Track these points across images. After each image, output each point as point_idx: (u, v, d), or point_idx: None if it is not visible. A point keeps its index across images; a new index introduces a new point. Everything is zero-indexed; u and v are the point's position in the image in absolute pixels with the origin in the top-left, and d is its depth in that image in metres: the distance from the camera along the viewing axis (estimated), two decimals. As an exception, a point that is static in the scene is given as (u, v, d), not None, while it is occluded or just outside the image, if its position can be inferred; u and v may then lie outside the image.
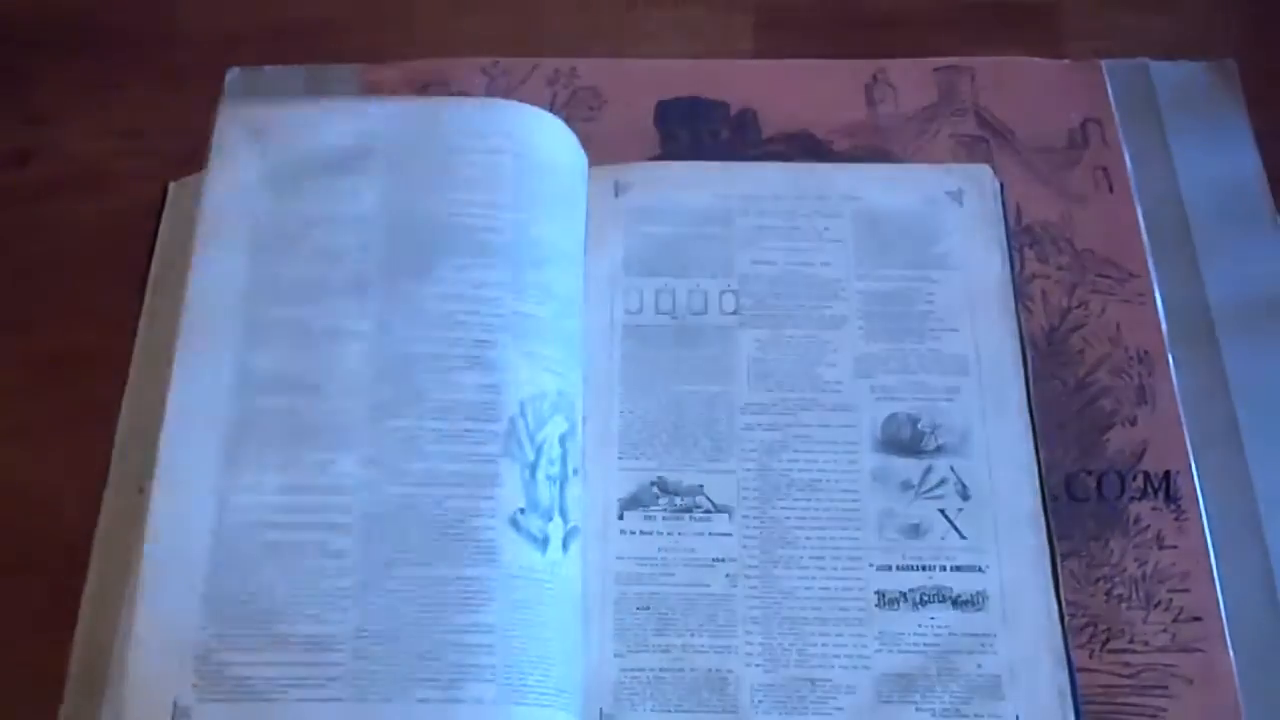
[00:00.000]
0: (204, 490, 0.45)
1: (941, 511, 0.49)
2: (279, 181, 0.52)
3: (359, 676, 0.43)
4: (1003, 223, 0.55)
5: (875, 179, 0.56)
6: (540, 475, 0.46)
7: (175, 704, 0.42)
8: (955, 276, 0.53)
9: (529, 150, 0.53)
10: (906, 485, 0.49)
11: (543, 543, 0.45)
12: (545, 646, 0.44)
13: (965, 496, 0.49)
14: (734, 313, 0.53)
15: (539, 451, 0.46)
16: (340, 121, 0.54)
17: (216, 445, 0.46)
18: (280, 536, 0.45)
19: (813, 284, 0.54)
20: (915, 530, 0.48)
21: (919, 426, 0.50)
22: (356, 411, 0.47)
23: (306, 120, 0.54)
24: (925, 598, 0.47)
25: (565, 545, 0.46)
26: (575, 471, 0.48)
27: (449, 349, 0.48)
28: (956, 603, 0.47)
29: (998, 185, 0.56)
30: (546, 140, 0.54)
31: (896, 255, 0.54)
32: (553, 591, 0.45)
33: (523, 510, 0.45)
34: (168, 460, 0.46)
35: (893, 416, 0.51)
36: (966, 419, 0.50)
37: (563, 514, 0.47)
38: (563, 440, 0.48)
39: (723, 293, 0.53)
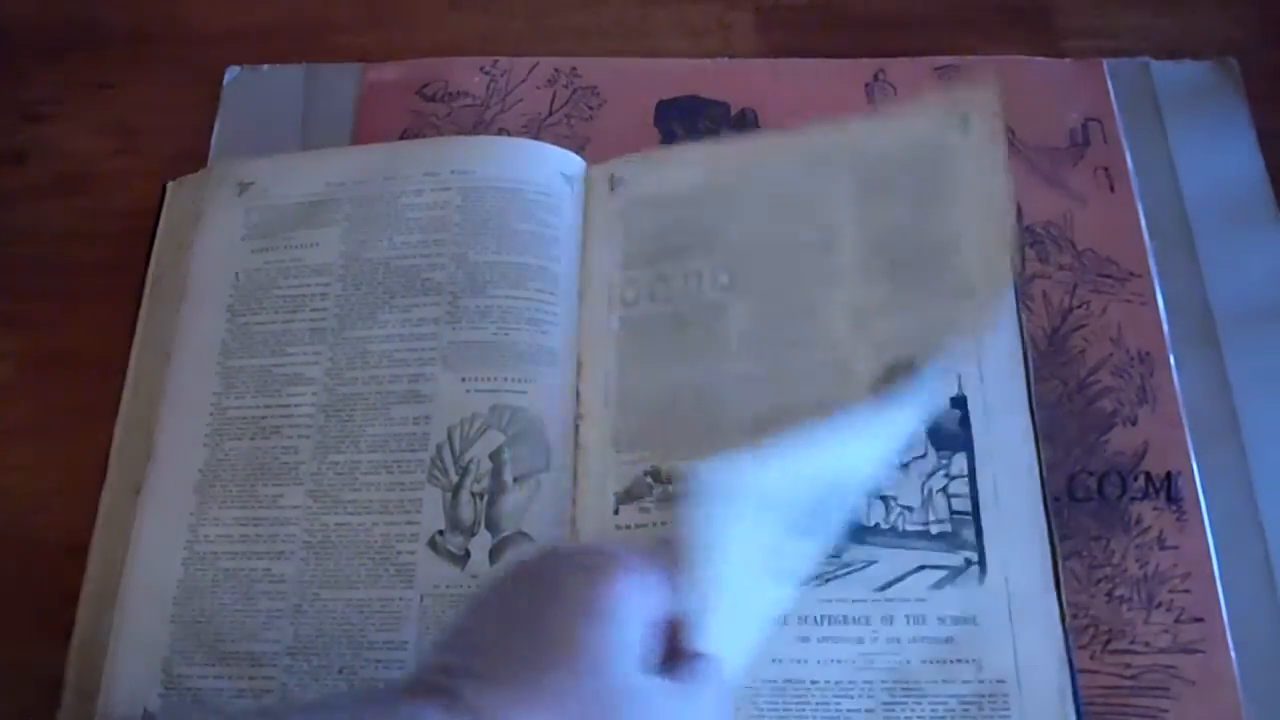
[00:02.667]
0: (179, 524, 0.49)
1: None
2: (257, 236, 0.55)
3: (288, 689, 0.46)
4: (1006, 146, 0.52)
5: (876, 126, 0.55)
6: (463, 495, 0.48)
7: (145, 710, 0.46)
8: (960, 213, 0.51)
9: (479, 180, 0.54)
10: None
11: (462, 558, 0.47)
12: None
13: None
14: (728, 289, 0.52)
15: (464, 473, 0.48)
16: (315, 172, 0.56)
17: (192, 484, 0.50)
18: (233, 564, 0.48)
19: (809, 253, 0.52)
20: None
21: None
22: (305, 449, 0.50)
23: (286, 172, 0.56)
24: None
25: (494, 556, 0.47)
26: (517, 480, 0.48)
27: (388, 386, 0.51)
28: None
29: (999, 106, 0.52)
30: (503, 166, 0.54)
31: (901, 195, 0.52)
32: None
33: (442, 532, 0.48)
34: (152, 496, 0.50)
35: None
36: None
37: (490, 527, 0.47)
38: (495, 455, 0.48)
39: (717, 274, 0.53)
